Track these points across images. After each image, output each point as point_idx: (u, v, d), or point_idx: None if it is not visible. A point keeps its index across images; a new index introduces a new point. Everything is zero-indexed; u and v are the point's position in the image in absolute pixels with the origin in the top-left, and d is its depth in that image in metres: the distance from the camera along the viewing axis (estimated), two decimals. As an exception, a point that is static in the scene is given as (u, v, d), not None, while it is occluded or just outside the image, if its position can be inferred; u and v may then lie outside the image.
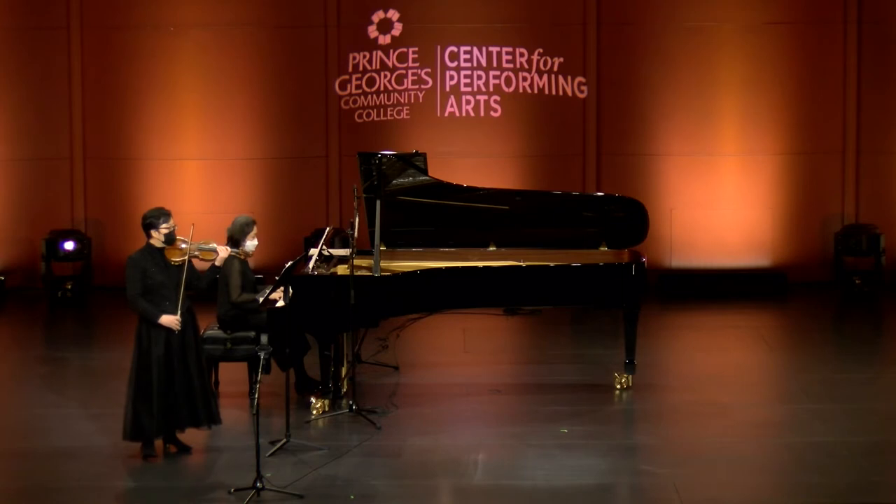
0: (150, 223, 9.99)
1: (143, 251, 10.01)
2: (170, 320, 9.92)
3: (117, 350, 12.77)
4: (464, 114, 16.08)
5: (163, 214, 10.02)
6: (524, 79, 16.06)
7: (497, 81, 16.06)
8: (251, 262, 11.68)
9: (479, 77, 16.05)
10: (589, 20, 16.01)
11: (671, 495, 9.26)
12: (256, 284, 11.79)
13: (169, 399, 9.95)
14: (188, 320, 10.05)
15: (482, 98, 16.06)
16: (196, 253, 10.10)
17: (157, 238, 10.00)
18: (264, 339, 11.21)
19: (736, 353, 13.32)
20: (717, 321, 14.65)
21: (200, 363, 10.14)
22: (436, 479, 9.70)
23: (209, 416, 10.13)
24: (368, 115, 16.08)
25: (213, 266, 10.28)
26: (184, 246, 10.07)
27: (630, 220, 12.19)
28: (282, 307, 11.01)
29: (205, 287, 10.29)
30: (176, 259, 10.03)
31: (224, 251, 10.33)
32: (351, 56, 16.05)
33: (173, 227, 10.03)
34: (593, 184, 16.06)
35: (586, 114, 16.10)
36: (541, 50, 16.04)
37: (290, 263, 10.70)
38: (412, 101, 16.05)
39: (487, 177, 15.10)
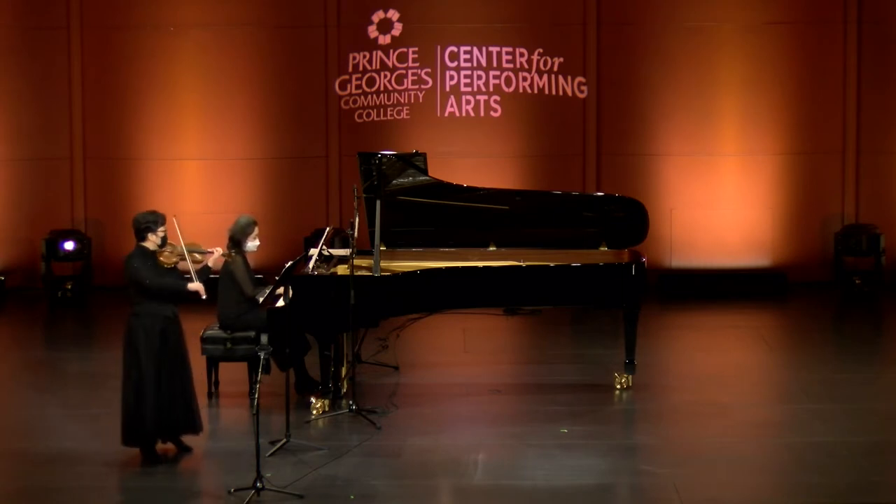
0: (147, 227, 9.87)
1: (138, 253, 9.91)
2: (196, 286, 9.95)
3: (117, 350, 12.64)
4: (464, 114, 16.08)
5: (159, 217, 9.93)
6: (524, 79, 16.05)
7: (497, 81, 16.06)
8: (250, 262, 11.67)
9: (479, 77, 16.05)
10: (589, 20, 16.00)
11: (671, 495, 9.26)
12: (255, 285, 11.78)
13: (165, 402, 9.92)
14: (176, 325, 10.00)
15: (482, 98, 16.06)
16: (186, 255, 10.06)
17: (153, 241, 9.93)
18: (264, 339, 11.21)
19: (736, 353, 13.32)
20: (717, 321, 14.64)
21: (190, 368, 10.12)
22: (436, 479, 9.70)
23: (200, 422, 10.13)
24: (368, 115, 16.08)
25: (206, 266, 10.25)
26: (172, 248, 10.02)
27: (630, 220, 12.19)
28: (282, 307, 11.01)
29: None
30: (169, 264, 9.98)
31: (216, 252, 10.32)
32: (351, 56, 16.04)
33: (166, 230, 9.99)
34: (593, 184, 16.06)
35: (586, 114, 16.10)
36: (541, 50, 16.03)
37: (290, 263, 10.69)
38: (412, 101, 16.05)
39: (487, 177, 15.10)
